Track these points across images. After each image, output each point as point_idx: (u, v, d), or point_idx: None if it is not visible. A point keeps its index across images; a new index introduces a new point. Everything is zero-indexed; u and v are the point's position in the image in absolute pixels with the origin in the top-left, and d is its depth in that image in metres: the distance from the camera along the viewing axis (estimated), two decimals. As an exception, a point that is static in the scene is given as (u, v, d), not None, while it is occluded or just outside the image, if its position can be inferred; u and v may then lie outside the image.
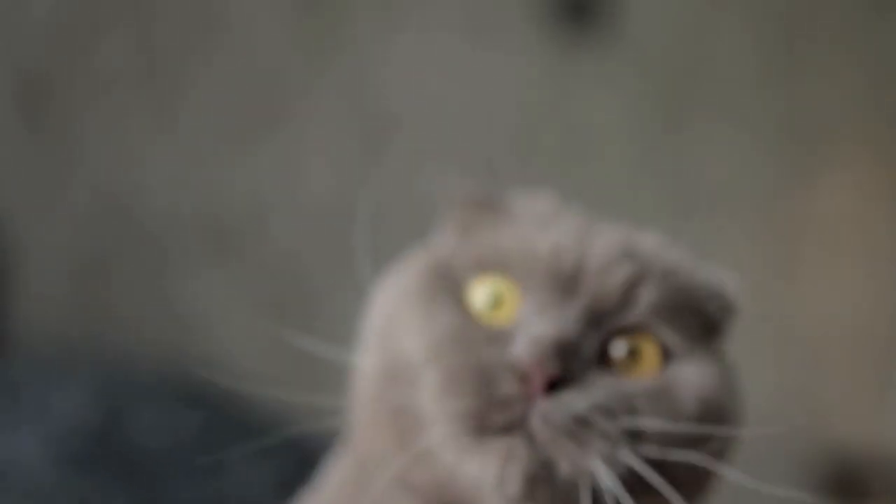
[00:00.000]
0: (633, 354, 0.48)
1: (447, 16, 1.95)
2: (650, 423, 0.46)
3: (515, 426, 0.44)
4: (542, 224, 0.52)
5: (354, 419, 0.52)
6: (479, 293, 0.50)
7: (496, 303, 0.49)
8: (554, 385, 0.45)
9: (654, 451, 0.45)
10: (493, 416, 0.44)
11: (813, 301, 2.47)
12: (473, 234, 0.53)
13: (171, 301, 1.63)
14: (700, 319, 0.51)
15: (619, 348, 0.48)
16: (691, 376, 0.48)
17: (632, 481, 0.45)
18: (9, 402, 1.08)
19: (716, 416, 0.48)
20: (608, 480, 0.44)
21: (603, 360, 0.48)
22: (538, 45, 2.07)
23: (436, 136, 1.94)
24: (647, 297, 0.49)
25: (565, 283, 0.48)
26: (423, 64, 1.94)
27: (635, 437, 0.45)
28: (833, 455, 2.33)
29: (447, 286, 0.50)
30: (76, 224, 1.59)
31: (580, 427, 0.44)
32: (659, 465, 0.45)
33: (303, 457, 0.54)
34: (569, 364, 0.46)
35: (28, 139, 1.58)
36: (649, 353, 0.48)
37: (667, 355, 0.49)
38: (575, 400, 0.45)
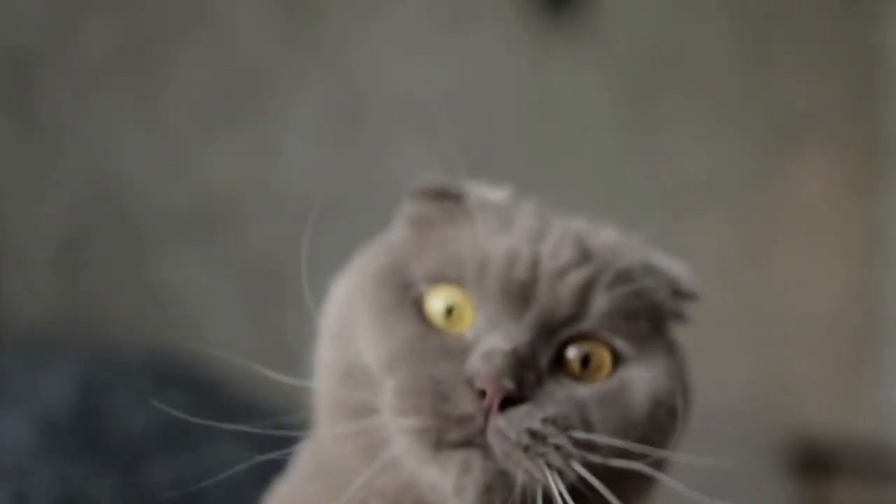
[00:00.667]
0: (587, 359, 0.50)
1: (427, 7, 1.96)
2: (601, 437, 0.48)
3: (472, 440, 0.46)
4: (497, 225, 0.52)
5: (316, 412, 0.54)
6: (436, 303, 0.51)
7: (453, 312, 0.50)
8: (509, 399, 0.46)
9: (602, 458, 0.47)
10: (450, 431, 0.46)
11: (785, 287, 2.50)
12: (429, 230, 0.54)
13: (151, 286, 1.64)
14: (653, 313, 0.53)
15: (572, 354, 0.50)
16: (642, 378, 0.50)
17: (580, 486, 0.47)
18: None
19: (665, 414, 0.51)
20: (560, 490, 0.46)
21: (558, 363, 0.50)
22: (517, 34, 2.08)
23: (415, 125, 1.95)
24: (599, 304, 0.50)
25: (519, 293, 0.50)
26: (403, 53, 1.95)
27: (587, 445, 0.47)
28: (803, 435, 2.37)
29: (404, 295, 0.51)
30: (59, 211, 1.60)
31: (534, 440, 0.46)
32: (607, 469, 0.47)
33: (282, 436, 0.56)
34: (523, 378, 0.47)
35: (12, 127, 1.58)
36: (602, 357, 0.50)
37: (618, 358, 0.51)
38: (529, 415, 0.46)
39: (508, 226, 0.52)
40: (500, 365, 0.46)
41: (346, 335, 0.52)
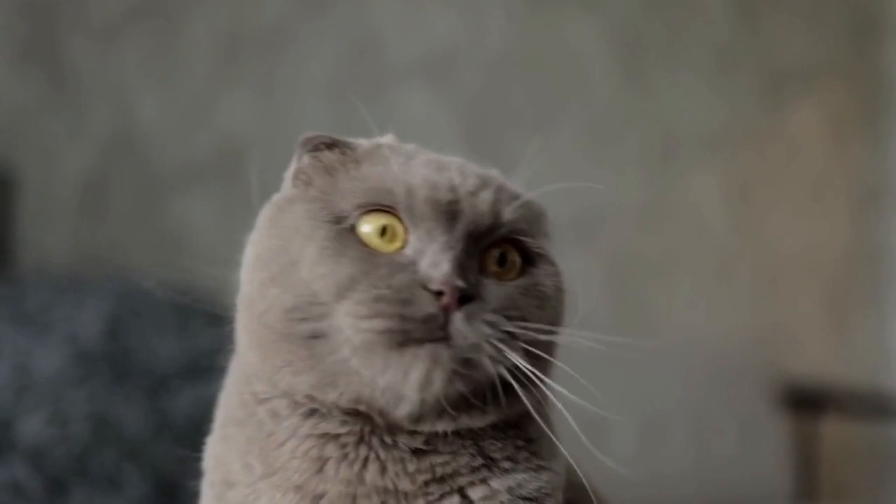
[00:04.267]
0: (503, 258, 0.59)
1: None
2: (534, 323, 0.56)
3: (435, 336, 0.53)
4: (404, 161, 0.60)
5: (244, 342, 0.60)
6: (369, 227, 0.57)
7: (386, 232, 0.57)
8: (463, 297, 0.54)
9: (535, 337, 0.56)
10: (416, 331, 0.53)
11: (781, 232, 2.55)
12: (336, 174, 0.61)
13: (170, 227, 1.71)
14: (535, 223, 0.62)
15: (494, 255, 0.58)
16: (547, 272, 0.60)
17: (515, 370, 0.55)
18: (31, 323, 1.16)
19: (564, 298, 0.61)
20: (521, 365, 0.54)
21: (481, 269, 0.58)
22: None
23: (424, 74, 2.01)
24: (508, 214, 0.58)
25: (446, 211, 0.57)
26: (411, 6, 2.00)
27: (524, 329, 0.56)
28: (796, 375, 2.44)
29: (339, 226, 0.57)
30: (84, 157, 1.66)
31: (492, 329, 0.54)
32: (536, 348, 0.56)
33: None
34: (467, 278, 0.55)
35: (39, 78, 1.64)
36: (514, 257, 0.59)
37: (526, 258, 0.59)
38: (481, 308, 0.55)
39: (412, 161, 0.60)
40: (449, 268, 0.54)
41: (284, 275, 0.57)
